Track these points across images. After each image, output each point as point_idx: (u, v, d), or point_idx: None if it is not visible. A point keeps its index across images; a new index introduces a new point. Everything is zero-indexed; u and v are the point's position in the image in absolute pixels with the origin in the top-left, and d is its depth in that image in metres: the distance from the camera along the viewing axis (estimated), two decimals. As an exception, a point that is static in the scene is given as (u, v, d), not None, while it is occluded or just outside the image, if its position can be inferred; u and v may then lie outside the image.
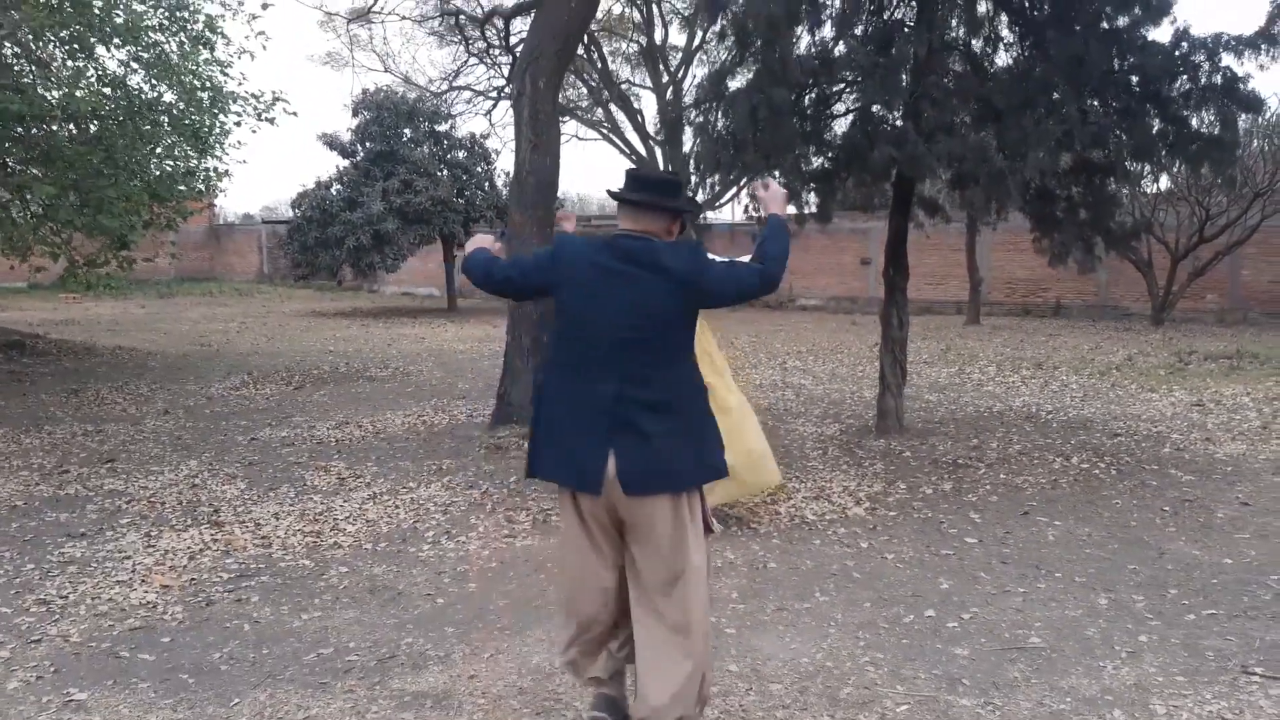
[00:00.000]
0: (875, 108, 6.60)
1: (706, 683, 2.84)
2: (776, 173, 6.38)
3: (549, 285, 2.88)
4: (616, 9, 21.49)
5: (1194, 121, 6.43)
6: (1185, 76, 6.31)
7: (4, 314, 17.91)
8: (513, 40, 17.39)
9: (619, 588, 2.89)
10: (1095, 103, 6.37)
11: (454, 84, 23.85)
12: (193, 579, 4.49)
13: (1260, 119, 16.39)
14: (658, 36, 23.66)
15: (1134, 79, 6.36)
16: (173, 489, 6.09)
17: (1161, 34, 6.45)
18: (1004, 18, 6.87)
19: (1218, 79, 6.27)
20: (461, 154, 20.42)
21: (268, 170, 57.43)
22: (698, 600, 2.79)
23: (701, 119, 6.71)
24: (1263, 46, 6.14)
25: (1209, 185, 14.80)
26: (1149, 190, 15.71)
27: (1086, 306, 18.39)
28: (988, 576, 4.43)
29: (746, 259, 3.02)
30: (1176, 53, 6.30)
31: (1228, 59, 6.26)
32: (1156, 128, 6.41)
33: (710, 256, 2.93)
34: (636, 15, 22.82)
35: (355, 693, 3.33)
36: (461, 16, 21.41)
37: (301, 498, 5.88)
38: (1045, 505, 5.57)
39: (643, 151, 24.63)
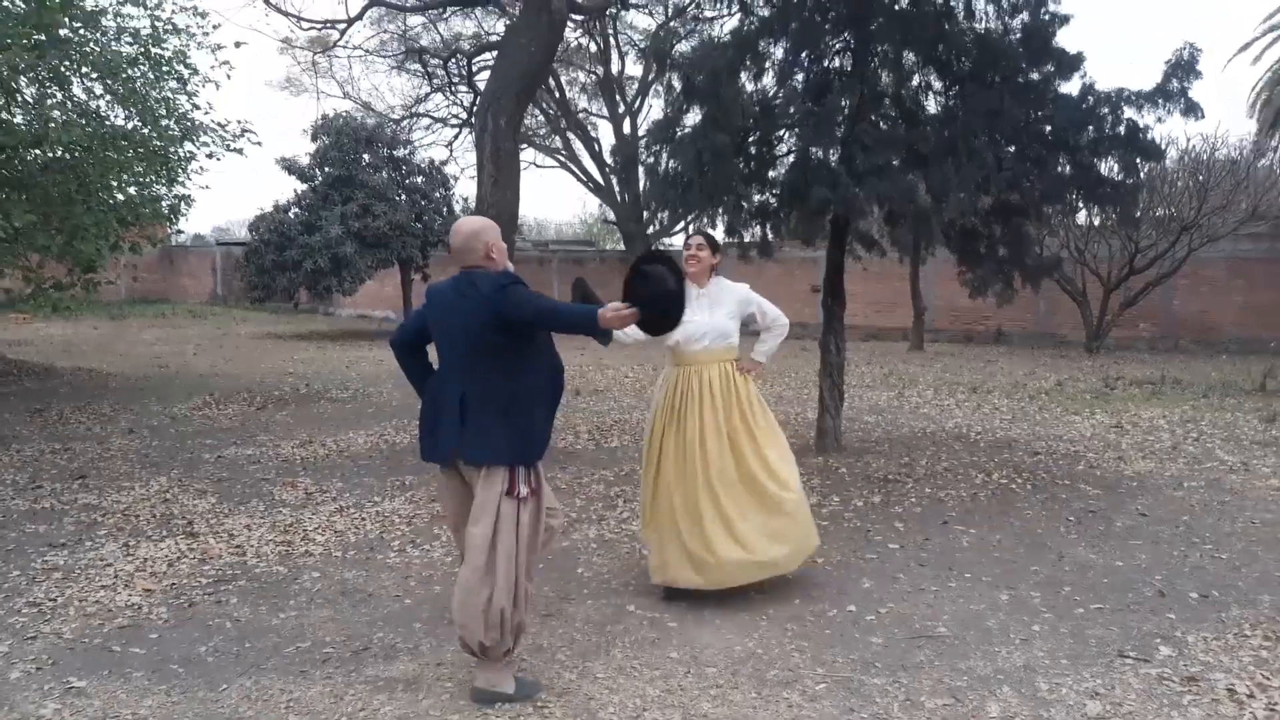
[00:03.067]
0: (813, 151, 7.13)
1: (508, 617, 3.46)
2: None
3: (429, 321, 3.63)
4: (574, 41, 22.05)
5: (1100, 168, 7.06)
6: (1092, 127, 6.92)
7: (-44, 335, 17.84)
8: (475, 70, 17.78)
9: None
10: (1012, 149, 6.96)
11: (414, 111, 24.23)
12: (173, 584, 4.81)
13: (1185, 156, 17.45)
14: (615, 67, 24.27)
15: (1046, 129, 6.95)
16: (145, 503, 6.38)
17: (1072, 87, 7.09)
18: (932, 70, 7.45)
19: (1121, 129, 6.89)
20: (420, 179, 20.77)
21: (220, 191, 57.13)
22: (500, 548, 3.45)
23: (651, 160, 7.21)
24: (1159, 101, 6.78)
25: (1139, 220, 15.65)
26: (1081, 224, 16.61)
27: (1026, 334, 19.21)
28: (905, 577, 4.91)
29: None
30: (1084, 105, 6.90)
31: (1129, 111, 6.88)
32: (1067, 173, 7.01)
33: (519, 286, 3.49)
34: (594, 47, 23.40)
35: (333, 679, 3.70)
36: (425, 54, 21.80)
37: (271, 511, 6.20)
38: (964, 516, 6.08)
39: (599, 180, 25.15)
